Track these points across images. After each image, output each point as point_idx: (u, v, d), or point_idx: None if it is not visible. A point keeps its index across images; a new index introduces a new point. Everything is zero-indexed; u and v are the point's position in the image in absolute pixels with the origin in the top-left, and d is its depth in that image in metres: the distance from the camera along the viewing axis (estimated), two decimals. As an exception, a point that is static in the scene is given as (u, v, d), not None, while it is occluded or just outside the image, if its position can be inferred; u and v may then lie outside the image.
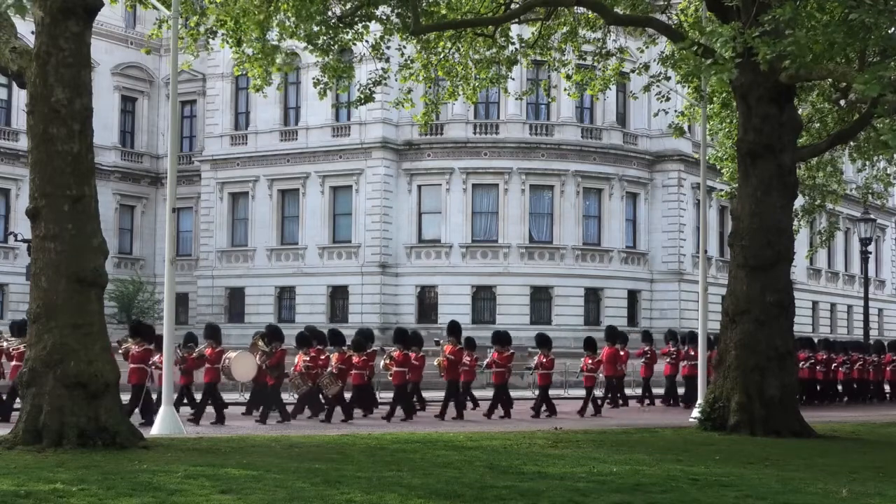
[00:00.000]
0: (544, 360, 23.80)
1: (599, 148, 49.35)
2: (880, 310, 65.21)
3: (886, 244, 68.83)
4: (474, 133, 48.60)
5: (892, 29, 16.47)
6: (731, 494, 10.73)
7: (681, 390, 27.73)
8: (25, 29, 16.44)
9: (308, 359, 21.46)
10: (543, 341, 24.13)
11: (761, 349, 18.83)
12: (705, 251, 24.17)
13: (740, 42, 15.58)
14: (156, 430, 16.69)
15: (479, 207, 48.52)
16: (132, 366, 19.46)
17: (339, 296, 49.47)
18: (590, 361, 25.04)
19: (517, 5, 23.11)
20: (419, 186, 48.92)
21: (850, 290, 63.04)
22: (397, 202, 48.77)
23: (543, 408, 23.44)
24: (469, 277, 47.79)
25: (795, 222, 24.89)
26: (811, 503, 10.43)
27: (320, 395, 21.69)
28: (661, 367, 28.78)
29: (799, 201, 27.82)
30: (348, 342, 22.68)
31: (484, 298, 48.28)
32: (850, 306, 62.88)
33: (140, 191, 56.59)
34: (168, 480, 10.73)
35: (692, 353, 27.10)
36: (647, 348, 28.40)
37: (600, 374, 26.02)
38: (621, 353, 26.53)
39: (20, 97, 45.05)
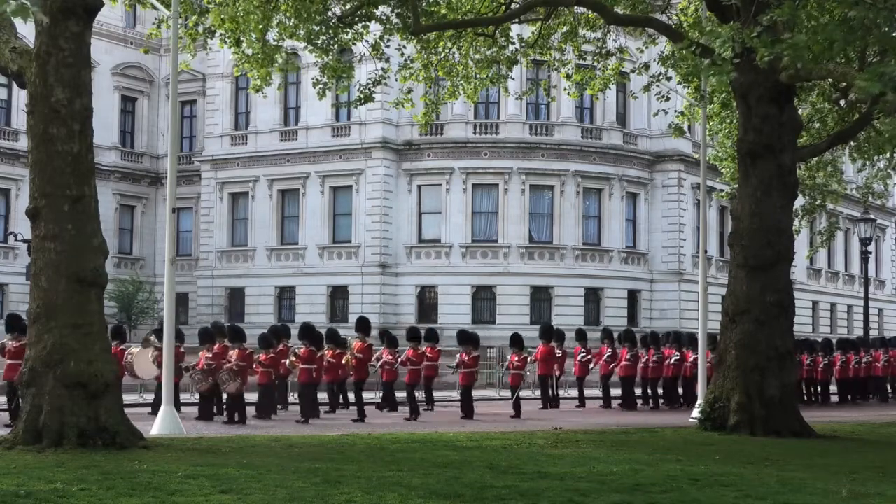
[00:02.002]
0: (466, 358, 22.68)
1: (599, 148, 49.35)
2: (880, 310, 65.20)
3: (886, 244, 68.84)
4: (474, 133, 48.60)
5: (893, 31, 16.46)
6: (731, 494, 10.73)
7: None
8: (25, 29, 16.43)
9: (210, 356, 20.70)
10: (466, 339, 23.06)
11: (761, 349, 18.83)
12: (705, 251, 24.15)
13: (739, 42, 15.58)
14: (156, 430, 16.70)
15: (479, 207, 48.52)
16: (9, 362, 18.99)
17: (339, 296, 49.47)
18: (516, 359, 23.88)
19: (517, 5, 23.11)
20: (419, 186, 48.92)
21: (850, 290, 63.04)
22: (397, 202, 48.78)
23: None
24: (469, 277, 47.80)
25: (795, 222, 24.85)
26: (811, 503, 10.43)
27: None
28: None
29: (799, 201, 27.80)
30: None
31: (484, 298, 48.29)
32: (850, 306, 62.88)
33: (140, 191, 56.59)
34: (168, 480, 10.73)
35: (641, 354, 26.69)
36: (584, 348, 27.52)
37: (528, 372, 24.96)
38: (557, 352, 25.84)
39: (20, 97, 45.06)
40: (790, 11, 14.89)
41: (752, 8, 16.80)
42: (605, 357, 26.97)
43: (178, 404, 20.13)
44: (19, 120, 48.46)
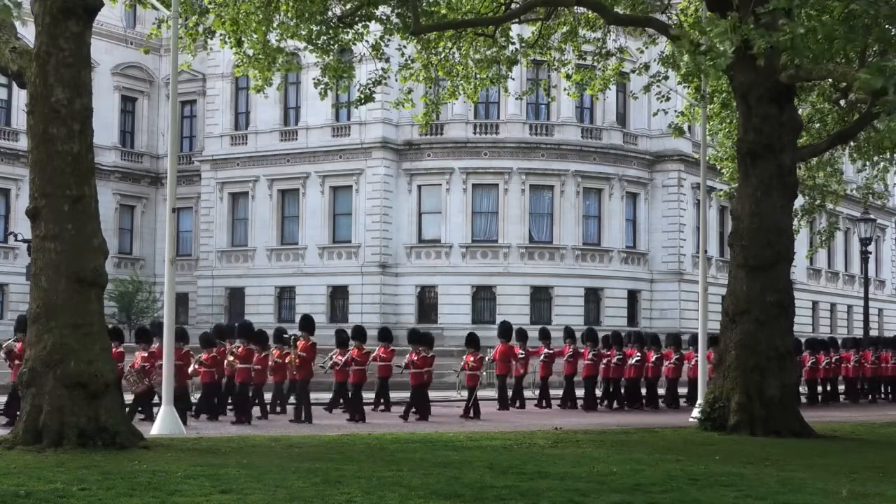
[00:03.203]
0: (416, 357, 22.01)
1: (599, 148, 49.34)
2: (880, 310, 65.20)
3: (886, 244, 68.83)
4: (474, 133, 48.59)
5: (893, 29, 16.46)
6: (731, 494, 10.73)
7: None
8: (25, 29, 16.45)
9: (146, 355, 20.13)
10: (417, 338, 22.47)
11: (761, 349, 18.83)
12: (705, 251, 24.14)
13: (736, 37, 15.51)
14: (156, 430, 16.70)
15: (479, 207, 48.50)
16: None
17: (339, 296, 49.47)
18: (471, 359, 23.17)
19: (517, 5, 23.13)
20: (419, 186, 48.91)
21: (850, 290, 63.03)
22: (397, 202, 48.77)
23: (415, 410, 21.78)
24: (469, 277, 47.78)
25: (795, 222, 24.86)
26: (811, 503, 10.43)
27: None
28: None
29: (799, 201, 27.81)
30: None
31: (484, 298, 48.27)
32: (850, 306, 62.86)
33: (140, 191, 56.58)
34: (168, 480, 10.73)
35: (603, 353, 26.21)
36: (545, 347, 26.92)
37: (485, 372, 24.29)
38: (520, 352, 25.36)
39: (20, 97, 45.06)
40: (788, 1, 14.83)
41: (750, 4, 16.77)
42: (566, 356, 26.53)
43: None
44: (19, 120, 48.43)
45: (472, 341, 23.63)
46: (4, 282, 50.37)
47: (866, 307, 42.22)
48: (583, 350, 26.53)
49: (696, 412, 21.00)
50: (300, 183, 50.37)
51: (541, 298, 48.18)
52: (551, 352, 26.86)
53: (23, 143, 37.82)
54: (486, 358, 25.32)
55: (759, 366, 18.74)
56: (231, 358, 20.98)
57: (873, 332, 49.57)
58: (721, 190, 37.35)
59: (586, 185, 48.95)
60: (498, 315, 46.89)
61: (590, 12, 23.67)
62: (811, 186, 30.98)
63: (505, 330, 25.78)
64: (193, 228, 54.99)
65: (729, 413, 18.69)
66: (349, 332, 22.76)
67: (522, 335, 26.24)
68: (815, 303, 59.70)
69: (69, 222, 13.93)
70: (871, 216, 43.22)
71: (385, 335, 23.06)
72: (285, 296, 50.91)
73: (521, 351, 25.72)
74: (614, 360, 26.21)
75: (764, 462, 13.96)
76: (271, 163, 51.14)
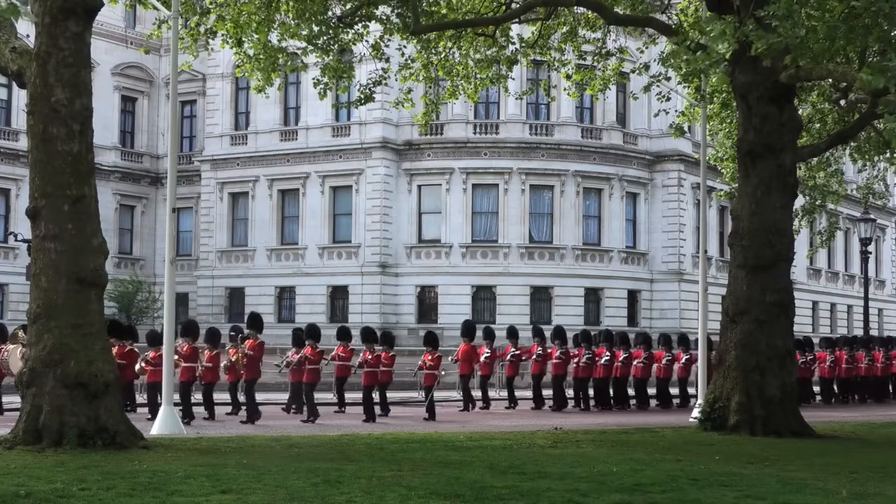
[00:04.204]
0: (369, 357, 21.59)
1: (599, 148, 49.36)
2: (880, 310, 65.23)
3: (886, 244, 68.86)
4: (474, 133, 48.61)
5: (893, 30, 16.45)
6: (731, 494, 10.73)
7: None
8: (25, 29, 16.44)
9: None
10: (368, 336, 22.02)
11: (761, 349, 18.83)
12: (705, 251, 24.14)
13: (733, 38, 15.51)
14: (156, 430, 16.71)
15: (479, 207, 48.53)
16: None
17: (339, 296, 49.48)
18: (429, 358, 22.70)
19: (517, 5, 23.13)
20: (419, 186, 48.93)
21: (850, 290, 63.05)
22: (397, 202, 48.78)
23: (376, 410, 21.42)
24: (469, 277, 47.80)
25: (795, 222, 24.85)
26: (811, 503, 10.43)
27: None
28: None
29: (799, 201, 27.77)
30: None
31: (484, 298, 48.29)
32: (850, 306, 62.89)
33: (140, 191, 56.60)
34: (168, 480, 10.72)
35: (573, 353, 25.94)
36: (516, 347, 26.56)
37: (443, 372, 23.90)
38: (487, 351, 25.05)
39: (20, 97, 45.06)
40: (787, 6, 14.83)
41: (750, 5, 16.77)
42: (534, 356, 26.17)
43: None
44: (19, 120, 48.44)
45: (431, 340, 23.27)
46: (4, 282, 50.38)
47: (866, 307, 42.22)
48: (551, 349, 26.23)
49: (696, 412, 21.01)
50: (300, 183, 50.39)
51: (541, 298, 48.19)
52: (518, 352, 26.59)
53: (23, 143, 37.82)
54: (450, 358, 25.16)
55: (759, 366, 18.74)
56: (176, 357, 20.36)
57: (873, 332, 49.54)
58: (721, 190, 37.38)
59: (586, 185, 48.97)
60: (498, 315, 47.03)
61: (590, 12, 23.66)
62: (811, 186, 30.96)
63: (468, 329, 25.43)
64: (193, 228, 55.01)
65: (729, 413, 18.69)
66: (336, 330, 22.73)
67: (489, 334, 25.98)
68: (815, 303, 59.72)
69: (69, 222, 13.93)
70: (871, 216, 43.20)
71: (343, 334, 22.57)
72: (285, 296, 50.93)
73: (486, 350, 25.49)
74: (583, 359, 25.89)
75: (764, 462, 13.96)
76: (271, 163, 51.16)
